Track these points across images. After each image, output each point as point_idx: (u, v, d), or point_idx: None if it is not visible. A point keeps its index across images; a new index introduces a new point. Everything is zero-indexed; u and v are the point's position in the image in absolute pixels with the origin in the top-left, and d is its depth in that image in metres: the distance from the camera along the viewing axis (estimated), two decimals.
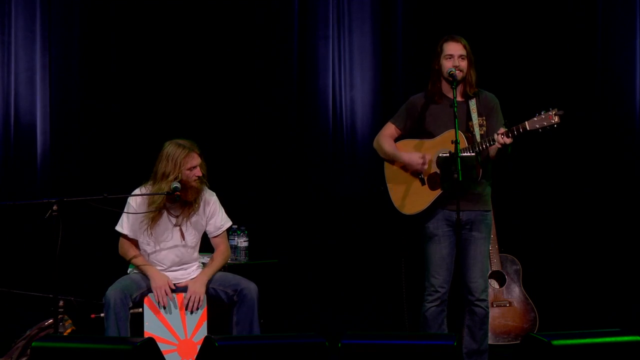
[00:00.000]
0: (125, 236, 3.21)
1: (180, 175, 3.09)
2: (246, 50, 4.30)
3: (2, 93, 4.04)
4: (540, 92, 4.17)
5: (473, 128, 3.13)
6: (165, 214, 3.19)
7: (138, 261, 3.19)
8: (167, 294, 3.08)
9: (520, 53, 4.30)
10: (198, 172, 3.14)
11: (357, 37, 4.33)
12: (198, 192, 3.18)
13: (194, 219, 3.22)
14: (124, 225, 3.20)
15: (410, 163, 3.17)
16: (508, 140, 2.99)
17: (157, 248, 3.20)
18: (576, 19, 4.30)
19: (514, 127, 3.03)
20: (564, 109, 3.04)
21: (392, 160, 3.25)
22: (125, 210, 3.20)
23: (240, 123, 4.31)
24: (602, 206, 4.17)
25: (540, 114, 3.02)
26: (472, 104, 3.15)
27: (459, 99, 3.09)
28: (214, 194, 3.32)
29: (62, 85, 4.14)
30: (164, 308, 3.08)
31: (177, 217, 3.20)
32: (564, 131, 3.97)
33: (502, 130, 3.03)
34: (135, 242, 3.23)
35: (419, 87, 3.35)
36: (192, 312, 3.10)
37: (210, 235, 3.32)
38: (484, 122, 3.17)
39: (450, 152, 3.01)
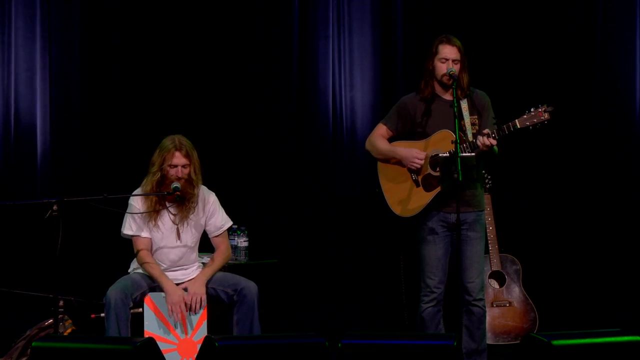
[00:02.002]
0: (137, 237, 3.20)
1: (162, 168, 3.11)
2: (246, 50, 4.30)
3: (2, 93, 4.04)
4: (539, 91, 4.16)
5: (465, 127, 3.13)
6: (166, 213, 3.20)
7: (154, 271, 3.13)
8: (181, 311, 3.06)
9: (520, 52, 4.30)
10: (178, 171, 3.12)
11: (357, 37, 4.33)
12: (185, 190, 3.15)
13: (193, 218, 3.22)
14: (132, 227, 3.19)
15: (406, 157, 3.15)
16: (493, 142, 2.99)
17: (157, 247, 3.20)
18: (576, 17, 4.30)
19: (504, 126, 3.04)
20: (564, 108, 3.04)
21: (387, 159, 3.25)
22: (128, 211, 3.20)
23: (240, 123, 4.30)
24: (602, 206, 4.18)
25: (529, 111, 3.03)
26: (464, 102, 3.15)
27: (450, 99, 3.09)
28: (213, 193, 3.32)
29: (62, 85, 4.13)
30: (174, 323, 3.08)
31: (175, 215, 3.20)
32: (564, 130, 3.99)
33: (486, 131, 3.02)
34: (149, 243, 3.20)
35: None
36: (193, 313, 3.10)
37: (210, 235, 3.32)
38: (477, 121, 3.17)
39: (450, 152, 3.01)
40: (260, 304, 3.18)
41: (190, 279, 3.20)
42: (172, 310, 3.05)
